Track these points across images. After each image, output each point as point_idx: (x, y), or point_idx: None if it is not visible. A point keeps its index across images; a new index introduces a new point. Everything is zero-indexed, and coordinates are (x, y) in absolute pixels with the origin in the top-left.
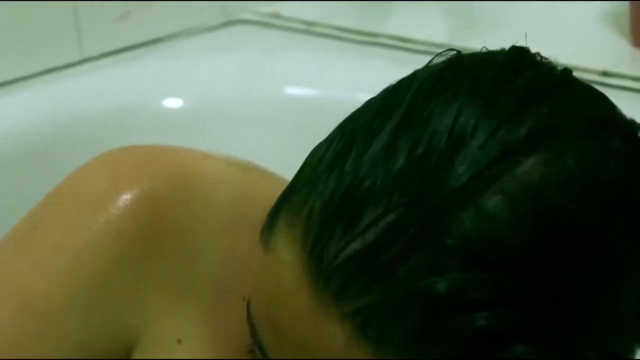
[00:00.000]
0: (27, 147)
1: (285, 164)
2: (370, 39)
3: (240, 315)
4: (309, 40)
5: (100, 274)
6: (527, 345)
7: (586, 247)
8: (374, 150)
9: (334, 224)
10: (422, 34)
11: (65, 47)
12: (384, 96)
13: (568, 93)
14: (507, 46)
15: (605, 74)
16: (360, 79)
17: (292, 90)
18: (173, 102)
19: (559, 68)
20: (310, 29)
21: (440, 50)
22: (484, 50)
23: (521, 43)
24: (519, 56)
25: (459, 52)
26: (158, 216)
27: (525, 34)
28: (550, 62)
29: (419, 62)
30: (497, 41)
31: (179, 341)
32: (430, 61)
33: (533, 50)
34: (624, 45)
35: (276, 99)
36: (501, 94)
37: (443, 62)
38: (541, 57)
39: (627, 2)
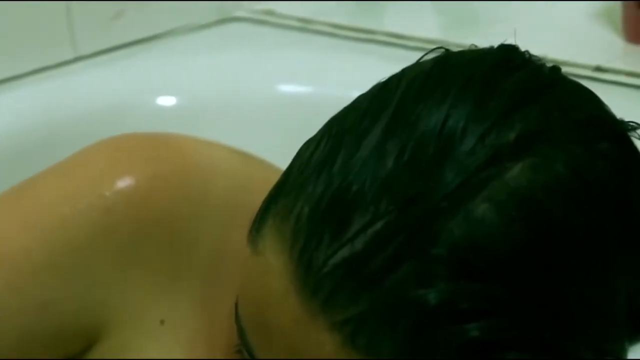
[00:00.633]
0: (21, 145)
1: (280, 162)
2: (365, 36)
3: (232, 302)
4: (304, 37)
5: (81, 244)
6: (520, 353)
7: (575, 251)
8: (362, 152)
9: (322, 230)
10: (418, 31)
11: (59, 45)
12: (372, 95)
13: (557, 92)
14: (505, 39)
15: (598, 69)
16: (355, 76)
17: (287, 88)
18: (167, 100)
19: (548, 65)
20: (304, 26)
21: (435, 47)
22: (473, 47)
23: (514, 40)
24: (509, 55)
25: (447, 50)
26: (152, 199)
27: (516, 30)
28: (539, 60)
29: (414, 59)
30: (492, 38)
31: (162, 322)
32: (420, 59)
33: (527, 47)
34: (617, 41)
35: (270, 96)
36: (490, 96)
37: (432, 60)
38: (530, 55)
39: None
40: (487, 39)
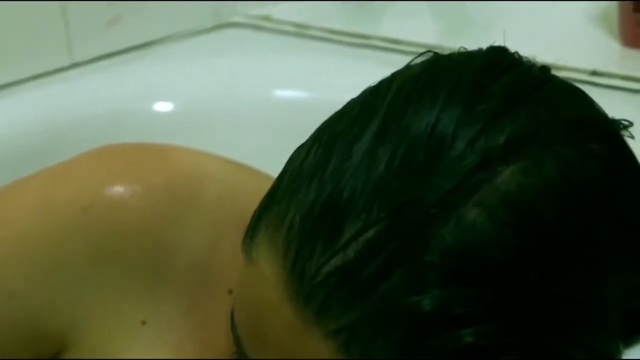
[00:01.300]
0: (17, 152)
1: (276, 167)
2: (362, 41)
3: (223, 306)
4: (300, 42)
5: (57, 239)
6: (514, 356)
7: (568, 253)
8: (353, 158)
9: (314, 239)
10: (414, 36)
11: (55, 51)
12: (362, 100)
13: (547, 93)
14: (494, 41)
15: (595, 73)
16: (351, 81)
17: (283, 93)
18: (163, 106)
19: (538, 66)
20: (301, 31)
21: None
22: (462, 50)
23: (510, 44)
24: (498, 57)
25: (436, 53)
26: (133, 202)
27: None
28: (529, 61)
29: None
30: (488, 42)
31: (144, 322)
32: (409, 63)
33: (523, 51)
34: (613, 45)
35: (267, 102)
36: (480, 99)
37: (421, 64)
38: (520, 56)
39: (616, 2)
40: (483, 43)
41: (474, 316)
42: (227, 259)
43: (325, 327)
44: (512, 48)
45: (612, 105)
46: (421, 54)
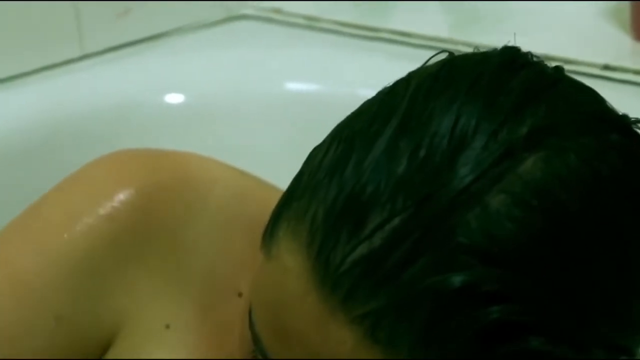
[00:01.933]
0: (28, 143)
1: (286, 159)
2: (372, 34)
3: (233, 308)
4: (310, 35)
5: (91, 255)
6: (539, 338)
7: (591, 240)
8: (374, 154)
9: (339, 229)
10: (424, 29)
11: (65, 43)
12: (380, 99)
13: (562, 90)
14: (508, 41)
15: (607, 67)
16: (361, 74)
17: (293, 86)
18: (174, 98)
19: (552, 65)
20: (311, 24)
21: (441, 45)
22: (476, 50)
23: (523, 38)
24: (513, 56)
25: (451, 53)
26: (153, 206)
27: (523, 28)
28: (542, 61)
29: (420, 56)
30: (498, 36)
31: (167, 326)
32: (425, 63)
33: (534, 45)
34: (625, 40)
35: (277, 94)
36: (499, 94)
37: (438, 64)
38: (532, 55)
39: None
40: (493, 37)
41: (500, 295)
42: (235, 262)
43: (350, 313)
44: (524, 42)
45: (624, 99)
46: (436, 54)
